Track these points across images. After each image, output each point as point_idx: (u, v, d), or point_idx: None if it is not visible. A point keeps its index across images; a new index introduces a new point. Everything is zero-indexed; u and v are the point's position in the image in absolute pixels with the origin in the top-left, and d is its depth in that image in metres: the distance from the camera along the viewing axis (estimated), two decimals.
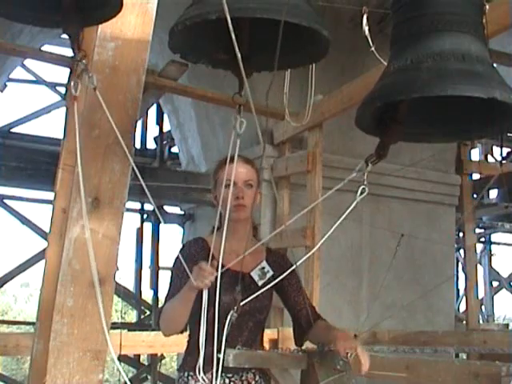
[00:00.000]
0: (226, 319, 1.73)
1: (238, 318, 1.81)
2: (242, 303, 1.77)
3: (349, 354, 1.79)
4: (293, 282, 2.15)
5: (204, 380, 1.76)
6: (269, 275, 2.05)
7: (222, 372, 1.69)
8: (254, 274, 2.05)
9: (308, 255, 1.99)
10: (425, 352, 2.30)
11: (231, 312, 1.74)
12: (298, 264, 1.87)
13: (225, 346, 1.71)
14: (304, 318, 2.13)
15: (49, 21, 1.44)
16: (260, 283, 2.03)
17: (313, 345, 2.09)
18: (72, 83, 1.45)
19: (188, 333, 2.05)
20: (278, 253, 2.29)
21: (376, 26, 3.54)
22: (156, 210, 1.72)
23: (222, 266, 1.66)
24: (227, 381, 1.98)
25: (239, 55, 1.13)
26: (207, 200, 5.01)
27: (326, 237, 1.61)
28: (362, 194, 1.54)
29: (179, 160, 6.32)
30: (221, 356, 1.68)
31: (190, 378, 2.01)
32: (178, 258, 2.04)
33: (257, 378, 2.05)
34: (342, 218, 1.54)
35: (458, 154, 5.30)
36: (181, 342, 2.13)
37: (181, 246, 2.13)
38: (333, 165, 4.20)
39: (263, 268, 2.07)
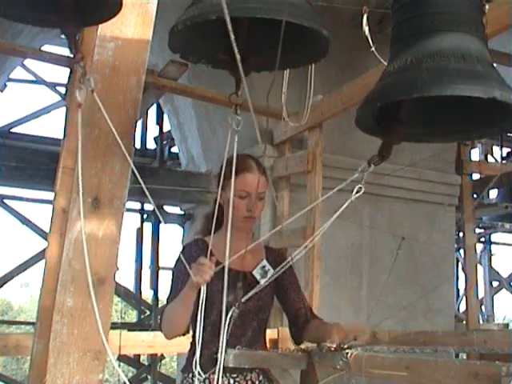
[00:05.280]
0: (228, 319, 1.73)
1: (242, 317, 1.81)
2: (243, 299, 1.77)
3: (348, 354, 1.79)
4: (293, 281, 2.16)
5: (205, 379, 1.76)
6: (270, 273, 2.06)
7: (226, 372, 1.68)
8: (256, 273, 2.06)
9: (304, 252, 1.99)
10: (425, 352, 2.29)
11: (232, 308, 1.74)
12: (294, 259, 1.87)
13: (226, 345, 1.70)
14: (302, 318, 2.14)
15: (49, 21, 1.44)
16: (262, 282, 2.03)
17: (310, 343, 2.10)
18: (77, 90, 1.44)
19: (191, 333, 2.04)
20: (277, 251, 2.30)
21: (376, 25, 3.54)
22: (156, 209, 1.72)
23: (224, 266, 1.66)
24: (232, 381, 1.98)
25: (238, 56, 1.13)
26: (207, 200, 5.00)
27: (320, 233, 1.62)
28: (357, 192, 1.55)
29: (179, 160, 6.31)
30: (223, 355, 1.67)
31: (194, 378, 2.00)
32: (178, 260, 2.04)
33: (260, 377, 2.05)
34: (335, 216, 1.56)
35: (458, 153, 5.29)
36: (181, 342, 2.12)
37: (181, 247, 2.12)
38: (333, 165, 4.20)
39: (264, 266, 2.08)
